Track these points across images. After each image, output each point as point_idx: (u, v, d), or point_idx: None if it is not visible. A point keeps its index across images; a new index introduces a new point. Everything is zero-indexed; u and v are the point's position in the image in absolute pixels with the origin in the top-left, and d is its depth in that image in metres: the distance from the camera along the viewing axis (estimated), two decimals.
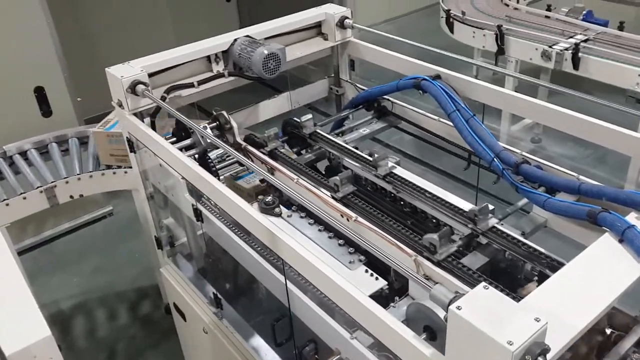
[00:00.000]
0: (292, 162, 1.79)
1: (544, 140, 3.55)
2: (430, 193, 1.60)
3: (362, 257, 1.47)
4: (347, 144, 1.86)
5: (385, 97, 2.04)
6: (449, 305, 0.91)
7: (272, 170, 1.73)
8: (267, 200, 1.63)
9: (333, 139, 1.87)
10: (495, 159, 1.59)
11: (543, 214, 1.52)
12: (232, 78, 1.98)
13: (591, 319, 0.99)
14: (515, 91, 1.86)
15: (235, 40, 1.97)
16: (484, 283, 0.94)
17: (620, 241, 1.15)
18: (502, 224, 1.51)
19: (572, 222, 1.43)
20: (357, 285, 1.35)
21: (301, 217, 1.62)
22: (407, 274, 1.11)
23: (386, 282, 1.41)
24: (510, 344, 0.82)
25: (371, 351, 1.20)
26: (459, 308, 0.88)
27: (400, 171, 1.72)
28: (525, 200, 1.56)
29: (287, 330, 1.43)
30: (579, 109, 1.65)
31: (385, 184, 1.69)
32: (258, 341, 1.65)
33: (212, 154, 1.85)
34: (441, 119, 1.88)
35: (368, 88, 2.09)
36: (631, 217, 1.20)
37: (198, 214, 1.63)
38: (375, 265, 1.44)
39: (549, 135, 3.55)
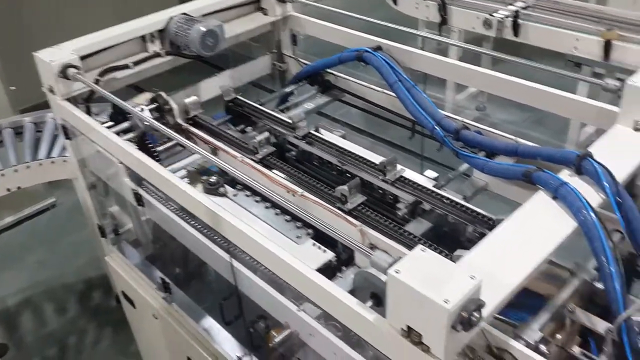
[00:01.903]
0: (237, 140, 1.76)
1: (488, 107, 3.61)
2: (350, 152, 1.66)
3: (310, 231, 1.47)
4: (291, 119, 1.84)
5: (328, 71, 2.03)
6: (387, 269, 0.92)
7: (215, 151, 1.70)
8: (211, 180, 1.60)
9: (278, 115, 1.85)
10: (436, 127, 1.60)
11: (483, 177, 1.55)
12: (169, 57, 1.92)
13: (527, 273, 1.02)
14: (460, 60, 1.88)
15: (171, 18, 1.91)
16: (421, 246, 0.95)
17: (554, 198, 1.18)
18: (445, 190, 1.54)
19: (511, 184, 1.47)
20: (304, 259, 1.35)
21: (247, 195, 1.60)
22: (349, 243, 1.11)
23: (334, 254, 1.42)
24: (447, 302, 0.83)
25: (319, 322, 1.20)
26: (397, 272, 0.89)
27: (330, 136, 1.74)
28: (466, 165, 1.59)
29: (235, 308, 1.42)
30: (521, 75, 1.68)
31: (326, 154, 1.69)
32: (209, 322, 1.63)
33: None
34: (384, 91, 1.88)
35: (311, 63, 2.06)
36: (564, 175, 1.23)
37: (139, 199, 1.59)
38: (324, 238, 1.44)
39: (494, 102, 3.62)
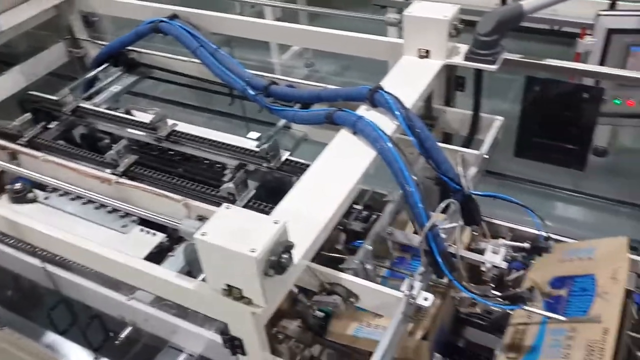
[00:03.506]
0: (43, 142, 1.61)
1: (317, 63, 3.70)
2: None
3: (136, 218, 1.41)
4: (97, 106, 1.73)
5: (131, 48, 1.92)
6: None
7: (14, 155, 1.53)
8: (16, 188, 1.46)
9: (81, 104, 1.72)
10: (246, 87, 1.60)
11: (302, 128, 1.60)
12: None
13: (336, 208, 1.07)
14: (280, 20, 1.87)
15: None
16: (225, 204, 0.94)
17: (355, 133, 1.25)
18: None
19: (325, 128, 1.52)
20: (133, 247, 1.30)
21: (60, 195, 1.48)
22: (164, 221, 1.08)
23: (165, 235, 1.38)
24: (253, 251, 0.84)
25: (153, 306, 1.17)
26: (204, 234, 0.88)
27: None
28: (284, 120, 1.62)
29: (68, 314, 1.32)
30: (340, 27, 1.70)
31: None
32: (51, 337, 1.51)
33: None
34: (191, 59, 1.83)
35: (108, 43, 1.94)
36: (361, 110, 1.30)
37: None
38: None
39: (321, 57, 3.71)
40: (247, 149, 1.50)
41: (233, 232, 0.88)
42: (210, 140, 1.54)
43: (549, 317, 1.16)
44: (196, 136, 1.55)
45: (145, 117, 1.64)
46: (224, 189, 1.39)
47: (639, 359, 1.20)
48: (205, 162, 1.59)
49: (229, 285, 0.91)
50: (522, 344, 1.20)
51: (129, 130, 1.63)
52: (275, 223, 0.89)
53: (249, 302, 0.90)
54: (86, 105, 1.71)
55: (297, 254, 0.95)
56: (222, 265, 0.88)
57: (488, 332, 1.37)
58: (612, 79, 1.65)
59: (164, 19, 1.75)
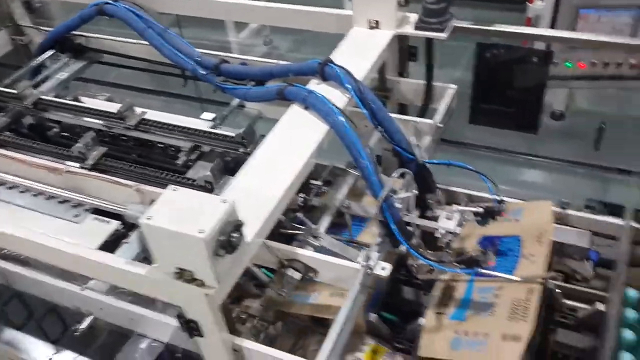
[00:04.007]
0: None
1: (276, 40, 3.64)
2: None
3: (90, 207, 1.38)
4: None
5: (77, 33, 1.85)
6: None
7: None
8: None
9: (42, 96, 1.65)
10: (196, 66, 1.57)
11: (256, 106, 1.57)
12: None
13: (290, 181, 1.06)
14: None
15: None
16: (172, 186, 0.93)
17: (306, 108, 1.24)
18: (221, 127, 1.53)
19: (278, 105, 1.50)
20: (87, 236, 1.27)
21: (9, 188, 1.44)
22: (111, 207, 1.06)
23: (120, 222, 1.35)
24: (202, 232, 0.83)
25: (109, 295, 1.15)
26: (149, 218, 0.87)
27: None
28: (238, 99, 1.59)
29: (23, 309, 1.30)
30: (298, 2, 1.65)
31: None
32: (8, 333, 1.48)
33: None
34: (140, 42, 1.78)
35: (53, 28, 1.86)
36: (312, 84, 1.29)
37: None
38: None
39: (281, 34, 3.65)
40: (199, 130, 1.47)
41: (180, 214, 0.87)
42: (180, 127, 1.50)
43: (482, 275, 1.19)
44: (166, 123, 1.49)
45: (110, 106, 1.58)
46: (200, 178, 1.36)
47: (564, 306, 1.29)
48: (160, 145, 1.55)
49: (180, 269, 0.89)
50: (451, 300, 1.24)
51: (94, 120, 1.57)
52: (224, 202, 0.88)
53: (201, 283, 0.89)
54: (47, 97, 1.63)
55: (250, 232, 0.95)
56: (171, 248, 0.87)
57: (420, 289, 1.39)
58: (562, 42, 1.67)
59: (109, 1, 1.69)
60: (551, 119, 2.88)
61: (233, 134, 1.42)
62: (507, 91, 1.50)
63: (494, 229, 1.22)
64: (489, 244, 1.31)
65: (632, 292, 1.23)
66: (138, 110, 1.56)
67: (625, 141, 2.58)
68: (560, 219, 1.51)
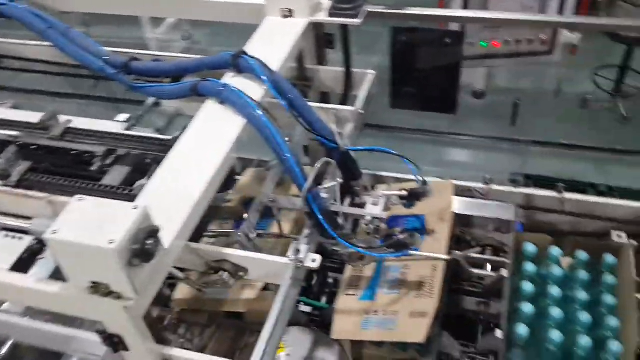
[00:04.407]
0: None
1: (196, 34, 3.54)
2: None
3: None
4: None
5: None
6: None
7: None
8: None
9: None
10: (104, 65, 1.48)
11: (173, 104, 1.52)
12: None
13: (209, 179, 1.02)
14: None
15: None
16: (78, 195, 0.87)
17: (222, 103, 1.20)
18: (136, 129, 1.47)
19: (200, 102, 1.45)
20: None
21: None
22: (15, 224, 0.98)
23: (33, 237, 1.26)
24: (112, 243, 0.78)
25: (26, 315, 1.08)
26: (54, 232, 0.81)
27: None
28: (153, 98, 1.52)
29: None
30: None
31: None
32: None
33: None
34: (43, 43, 1.66)
35: None
36: (227, 78, 1.25)
37: None
38: None
39: (201, 27, 3.55)
40: (112, 134, 1.40)
41: (88, 224, 0.81)
42: (109, 133, 1.42)
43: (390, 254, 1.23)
44: (94, 131, 1.42)
45: (29, 116, 1.47)
46: (137, 187, 1.29)
47: (473, 275, 1.37)
48: (72, 152, 1.47)
49: (94, 283, 0.84)
50: (361, 282, 1.29)
51: (14, 133, 1.45)
52: (135, 209, 0.83)
53: (118, 296, 0.84)
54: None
55: (169, 237, 0.91)
56: (82, 262, 0.81)
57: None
58: (474, 22, 1.71)
59: (3, 1, 1.57)
60: (473, 98, 2.97)
61: (150, 135, 1.36)
62: (424, 74, 1.51)
63: (400, 209, 1.25)
64: (395, 223, 1.35)
65: (530, 247, 1.32)
66: (63, 118, 1.47)
67: (541, 114, 2.71)
68: (486, 195, 1.56)
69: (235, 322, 1.18)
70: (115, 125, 1.49)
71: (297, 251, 1.08)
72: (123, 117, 1.54)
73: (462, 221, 1.48)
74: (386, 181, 1.57)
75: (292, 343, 1.22)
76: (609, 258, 1.27)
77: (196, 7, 1.55)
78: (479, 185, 1.56)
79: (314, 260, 1.09)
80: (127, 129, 1.47)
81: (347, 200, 1.26)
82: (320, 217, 1.11)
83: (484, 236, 1.49)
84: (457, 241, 1.45)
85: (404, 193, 1.20)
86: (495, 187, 1.56)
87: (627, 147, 2.69)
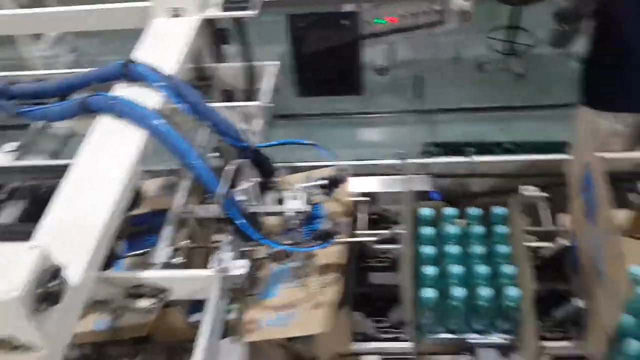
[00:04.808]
0: None
1: (82, 45, 3.32)
2: None
3: None
4: None
5: None
6: None
7: None
8: None
9: None
10: None
11: (64, 124, 1.40)
12: None
13: (115, 200, 0.95)
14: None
15: None
16: None
17: (119, 117, 1.11)
18: (28, 157, 1.35)
19: (92, 118, 1.35)
20: None
21: None
22: None
23: None
24: (11, 291, 0.70)
25: None
26: None
27: None
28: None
29: None
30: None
31: None
32: None
33: None
34: None
35: None
36: (118, 89, 1.16)
37: None
38: None
39: (87, 37, 3.34)
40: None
41: None
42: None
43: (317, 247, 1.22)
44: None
45: None
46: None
47: (378, 251, 1.38)
48: None
49: (1, 340, 0.75)
50: (263, 279, 1.27)
51: None
52: (33, 248, 0.75)
53: (27, 348, 0.75)
54: None
55: (78, 272, 0.83)
56: None
57: None
58: (366, 1, 1.71)
59: None
60: (377, 75, 3.01)
61: (43, 162, 1.25)
62: (326, 58, 1.50)
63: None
64: None
65: (425, 211, 1.33)
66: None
67: (443, 83, 2.79)
68: (403, 170, 1.58)
69: (163, 345, 1.12)
70: (3, 156, 1.36)
71: (220, 261, 1.04)
72: (11, 146, 1.41)
73: (382, 199, 1.49)
74: (304, 171, 1.54)
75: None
76: (498, 209, 1.30)
77: (76, 19, 1.43)
78: (394, 161, 1.58)
79: (241, 267, 1.05)
80: (18, 159, 1.34)
81: (268, 198, 1.23)
82: (241, 221, 1.07)
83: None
84: (379, 220, 1.46)
85: (325, 182, 1.18)
86: (410, 160, 1.58)
87: (525, 103, 2.84)
